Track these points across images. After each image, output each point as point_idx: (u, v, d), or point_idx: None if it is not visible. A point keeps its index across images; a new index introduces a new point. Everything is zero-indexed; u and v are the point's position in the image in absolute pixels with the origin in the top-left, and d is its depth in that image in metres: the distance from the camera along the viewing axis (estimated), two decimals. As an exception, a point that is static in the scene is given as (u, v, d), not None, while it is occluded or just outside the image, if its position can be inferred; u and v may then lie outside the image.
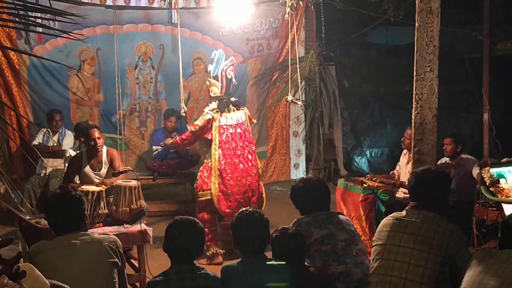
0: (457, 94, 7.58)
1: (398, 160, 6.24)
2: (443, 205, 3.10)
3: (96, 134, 5.28)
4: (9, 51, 7.27)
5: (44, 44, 7.50)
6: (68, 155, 6.23)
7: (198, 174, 5.63)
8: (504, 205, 4.50)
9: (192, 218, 2.97)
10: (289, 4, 5.74)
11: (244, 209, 3.08)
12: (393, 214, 3.13)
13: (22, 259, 1.57)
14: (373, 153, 8.82)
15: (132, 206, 4.49)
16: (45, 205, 3.09)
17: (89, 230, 3.15)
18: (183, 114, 6.11)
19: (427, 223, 2.92)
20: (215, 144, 5.49)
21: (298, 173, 8.84)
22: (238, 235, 3.00)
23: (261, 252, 2.96)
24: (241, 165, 5.57)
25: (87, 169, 5.31)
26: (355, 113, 8.87)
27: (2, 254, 1.45)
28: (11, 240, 1.50)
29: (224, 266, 2.95)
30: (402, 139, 5.93)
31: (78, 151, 5.95)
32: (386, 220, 3.12)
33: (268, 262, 2.92)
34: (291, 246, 3.06)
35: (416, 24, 4.09)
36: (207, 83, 5.74)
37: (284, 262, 2.93)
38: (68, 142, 6.93)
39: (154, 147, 7.51)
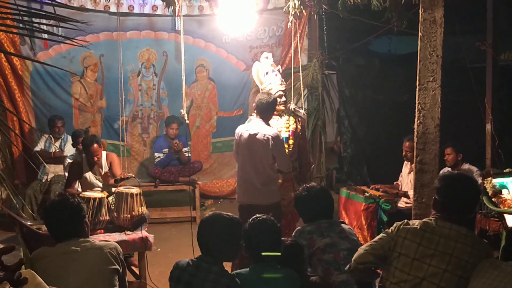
0: (459, 103, 7.57)
1: (400, 170, 6.22)
2: (470, 217, 2.87)
3: (97, 149, 5.30)
4: (12, 57, 7.29)
5: (48, 50, 7.54)
6: (67, 163, 6.23)
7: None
8: (506, 216, 4.48)
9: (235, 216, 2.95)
10: (293, 13, 5.72)
11: (257, 215, 3.07)
12: (418, 222, 2.77)
13: (23, 265, 1.56)
14: (374, 162, 8.78)
15: (134, 213, 4.49)
16: (44, 212, 3.09)
17: (90, 237, 3.14)
18: (187, 122, 6.10)
19: (461, 243, 2.65)
20: None
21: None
22: (249, 241, 2.98)
23: (271, 259, 2.93)
24: None
25: (88, 174, 5.33)
26: (355, 122, 8.84)
27: (3, 260, 1.44)
28: (13, 248, 1.49)
29: (233, 274, 2.94)
30: (403, 153, 5.92)
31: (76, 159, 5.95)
32: (414, 228, 2.74)
33: (277, 270, 2.90)
34: (288, 257, 3.04)
35: (420, 33, 4.08)
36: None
37: (293, 270, 2.92)
38: (70, 148, 6.92)
39: (156, 154, 7.52)
